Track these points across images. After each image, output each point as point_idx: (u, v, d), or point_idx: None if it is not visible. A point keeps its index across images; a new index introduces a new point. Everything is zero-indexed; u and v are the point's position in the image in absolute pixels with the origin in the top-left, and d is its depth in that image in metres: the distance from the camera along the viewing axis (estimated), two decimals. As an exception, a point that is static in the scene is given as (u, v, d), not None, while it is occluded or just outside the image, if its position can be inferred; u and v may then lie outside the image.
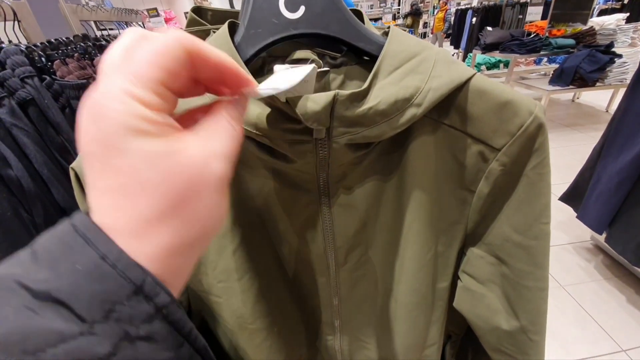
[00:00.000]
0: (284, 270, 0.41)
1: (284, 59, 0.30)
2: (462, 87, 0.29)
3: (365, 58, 0.32)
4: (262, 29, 0.27)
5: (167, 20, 7.09)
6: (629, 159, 1.21)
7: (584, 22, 3.28)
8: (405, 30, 0.32)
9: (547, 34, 3.08)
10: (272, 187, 0.35)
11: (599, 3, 4.97)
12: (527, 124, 0.29)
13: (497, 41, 3.06)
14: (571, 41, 2.87)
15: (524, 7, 4.22)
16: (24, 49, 0.45)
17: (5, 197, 0.39)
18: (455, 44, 6.28)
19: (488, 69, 3.82)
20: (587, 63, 2.56)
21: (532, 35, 2.96)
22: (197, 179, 0.15)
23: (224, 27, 0.28)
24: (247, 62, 0.28)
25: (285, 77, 0.21)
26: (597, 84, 2.62)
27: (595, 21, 3.22)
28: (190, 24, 0.38)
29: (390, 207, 0.37)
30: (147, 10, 2.28)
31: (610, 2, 4.92)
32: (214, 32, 0.33)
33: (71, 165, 0.27)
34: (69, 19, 0.80)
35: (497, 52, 3.09)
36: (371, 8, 10.90)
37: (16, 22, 0.62)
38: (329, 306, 0.44)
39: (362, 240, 0.39)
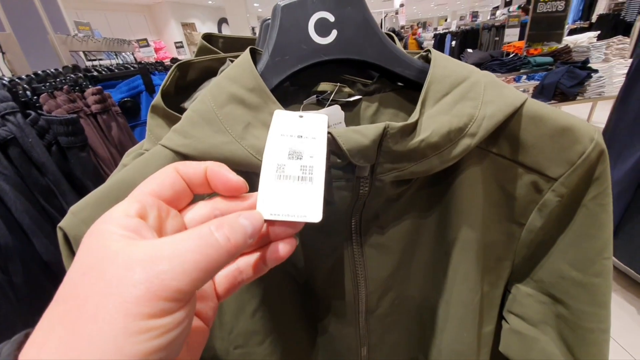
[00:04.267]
0: (311, 326, 0.37)
1: (307, 88, 0.27)
2: (514, 113, 0.26)
3: (400, 84, 0.30)
4: (290, 55, 0.25)
5: (156, 50, 7.21)
6: (626, 169, 1.22)
7: (559, 41, 3.47)
8: None
9: (525, 53, 3.23)
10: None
11: (568, 23, 5.30)
12: (588, 151, 0.27)
13: (478, 62, 3.19)
14: (549, 59, 3.02)
15: (499, 29, 4.47)
16: (6, 82, 0.41)
17: None
18: (437, 66, 6.56)
19: (471, 87, 3.95)
20: (566, 79, 2.67)
21: (511, 55, 3.10)
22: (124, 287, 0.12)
23: (246, 54, 0.25)
24: (273, 91, 0.25)
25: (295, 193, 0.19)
26: (578, 97, 2.72)
27: (568, 40, 3.42)
28: (201, 51, 0.35)
29: (430, 246, 0.34)
30: (138, 40, 2.30)
31: (579, 22, 5.27)
32: (231, 60, 0.30)
33: (59, 225, 0.22)
34: (58, 50, 0.77)
35: (480, 71, 3.21)
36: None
37: (0, 54, 0.58)
38: (356, 355, 0.39)
39: (396, 282, 0.35)
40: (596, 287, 0.30)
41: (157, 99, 0.31)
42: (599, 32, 3.65)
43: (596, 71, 2.70)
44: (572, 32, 4.83)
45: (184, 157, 0.24)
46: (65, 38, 0.82)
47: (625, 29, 4.27)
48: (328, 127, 0.21)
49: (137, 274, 0.12)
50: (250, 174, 0.24)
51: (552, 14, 3.38)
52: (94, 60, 0.99)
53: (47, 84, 0.50)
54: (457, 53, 4.53)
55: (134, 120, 0.93)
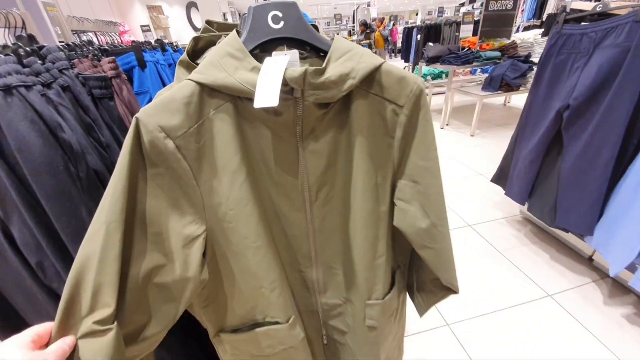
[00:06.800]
0: (274, 203, 0.53)
1: (270, 52, 0.47)
2: (378, 69, 0.45)
3: (321, 54, 0.49)
4: (258, 33, 0.44)
5: (120, 34, 6.89)
6: (536, 141, 1.52)
7: (508, 37, 3.85)
8: (362, 45, 0.50)
9: (478, 48, 3.56)
10: (266, 136, 0.47)
11: (523, 21, 5.76)
12: (414, 89, 0.46)
13: (437, 55, 3.49)
14: (497, 53, 3.36)
15: (459, 25, 4.81)
16: (60, 47, 0.57)
17: (60, 154, 0.50)
18: (405, 58, 6.88)
19: (433, 78, 4.27)
20: (510, 71, 3.02)
21: (465, 49, 3.42)
22: None
23: (234, 32, 0.44)
24: (251, 52, 0.44)
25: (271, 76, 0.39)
26: (521, 88, 3.08)
27: (517, 36, 3.79)
28: (205, 30, 0.54)
29: (345, 152, 0.50)
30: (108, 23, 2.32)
31: (532, 20, 5.74)
32: (225, 36, 0.49)
33: (136, 115, 0.39)
34: (65, 27, 0.89)
35: (438, 64, 3.52)
36: (328, 25, 11.51)
37: (23, 30, 0.71)
38: (306, 237, 0.57)
39: (328, 180, 0.52)
40: (432, 168, 0.50)
41: (183, 56, 0.50)
42: (543, 29, 4.06)
43: (536, 64, 3.07)
44: (527, 29, 5.30)
45: (201, 85, 0.40)
46: (66, 17, 0.94)
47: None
48: (287, 64, 0.40)
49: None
50: (235, 98, 0.42)
51: (502, 12, 3.75)
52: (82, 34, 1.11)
53: (76, 52, 0.66)
54: (422, 46, 4.83)
55: (127, 91, 1.07)
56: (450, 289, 0.62)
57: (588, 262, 1.60)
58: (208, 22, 0.56)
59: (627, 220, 1.22)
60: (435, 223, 0.53)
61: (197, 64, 0.45)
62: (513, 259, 1.67)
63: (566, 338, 1.25)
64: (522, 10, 5.74)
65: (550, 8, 5.84)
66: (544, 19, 5.54)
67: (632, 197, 1.21)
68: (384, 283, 0.61)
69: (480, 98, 3.14)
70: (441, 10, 10.68)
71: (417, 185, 0.52)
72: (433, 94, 4.24)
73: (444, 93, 3.73)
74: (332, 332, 0.71)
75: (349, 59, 0.44)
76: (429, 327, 1.33)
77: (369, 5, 9.25)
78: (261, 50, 0.47)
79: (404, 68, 7.37)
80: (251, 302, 0.55)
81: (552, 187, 1.48)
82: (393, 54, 10.50)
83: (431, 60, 3.55)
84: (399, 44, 8.94)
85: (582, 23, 1.37)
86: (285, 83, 0.41)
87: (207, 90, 0.41)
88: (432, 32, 5.36)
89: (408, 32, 6.58)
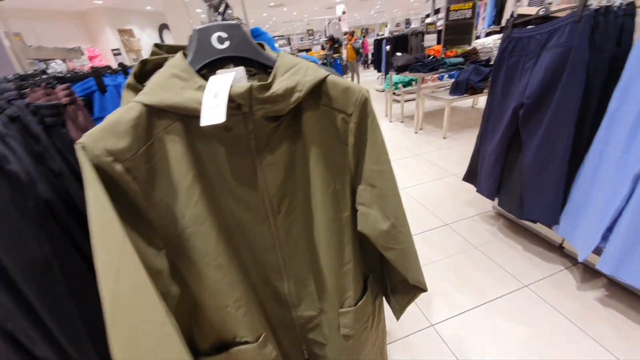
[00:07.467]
0: (237, 217, 0.53)
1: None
2: (324, 81, 0.47)
3: (269, 70, 0.48)
4: (203, 54, 0.46)
5: (91, 58, 6.78)
6: (497, 139, 1.60)
7: (469, 44, 4.07)
8: (330, 60, 0.52)
9: (443, 55, 3.74)
10: (221, 152, 0.48)
11: (484, 28, 6.09)
12: (359, 98, 0.48)
13: (405, 64, 3.64)
14: (461, 59, 3.54)
15: (424, 35, 5.05)
16: (9, 79, 0.56)
17: (6, 186, 0.49)
18: (378, 68, 7.11)
19: (404, 86, 4.43)
20: (474, 75, 3.18)
21: (431, 57, 3.59)
22: None
23: (180, 54, 0.46)
24: (198, 72, 0.45)
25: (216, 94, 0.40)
26: (485, 90, 3.24)
27: (478, 42, 4.01)
28: (154, 54, 0.55)
29: (301, 163, 0.52)
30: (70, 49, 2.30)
31: (492, 26, 6.07)
32: (172, 57, 0.50)
33: (79, 141, 0.38)
34: (20, 57, 0.88)
35: (407, 72, 3.66)
36: (302, 40, 11.78)
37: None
38: (272, 249, 0.57)
39: (288, 191, 0.53)
40: (386, 171, 0.52)
41: (130, 79, 0.51)
42: (502, 34, 4.31)
43: (495, 68, 3.26)
44: (489, 34, 5.61)
45: (148, 106, 0.40)
46: (23, 46, 0.92)
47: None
48: (233, 81, 0.42)
49: None
50: (184, 117, 0.43)
51: (462, 21, 3.98)
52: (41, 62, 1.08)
53: (29, 81, 0.65)
54: (391, 56, 5.02)
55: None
56: (419, 288, 0.64)
57: (559, 250, 1.67)
58: (157, 45, 0.57)
59: (588, 206, 1.30)
60: (395, 224, 0.55)
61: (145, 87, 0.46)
62: (489, 253, 1.72)
63: (545, 326, 1.29)
64: (483, 18, 6.08)
65: (507, 14, 6.22)
66: (503, 25, 5.89)
67: (591, 185, 1.29)
68: (355, 290, 0.62)
69: (448, 102, 3.28)
70: (408, 22, 11.19)
71: (374, 189, 0.54)
72: (405, 101, 4.38)
73: (415, 99, 3.87)
74: (313, 346, 0.70)
75: (294, 74, 0.46)
76: (414, 330, 1.34)
77: (339, 20, 9.55)
78: (210, 70, 0.48)
79: (377, 78, 7.72)
80: (218, 322, 0.54)
81: (517, 182, 1.55)
82: (366, 65, 10.81)
83: (400, 69, 3.69)
84: (371, 55, 9.23)
85: (529, 27, 1.47)
86: (231, 99, 0.42)
87: (154, 111, 0.42)
88: (400, 42, 5.59)
89: (378, 43, 6.83)
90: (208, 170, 0.48)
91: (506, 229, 1.89)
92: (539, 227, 1.73)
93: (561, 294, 1.42)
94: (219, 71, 0.46)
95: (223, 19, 0.52)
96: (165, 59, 0.53)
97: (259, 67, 0.50)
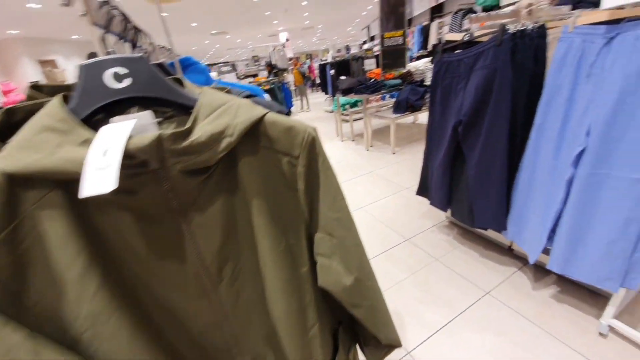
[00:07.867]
0: (161, 299, 0.41)
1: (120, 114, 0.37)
2: (260, 121, 0.40)
3: (190, 111, 0.39)
4: (93, 96, 0.36)
5: (5, 93, 5.99)
6: (441, 155, 1.69)
7: (404, 66, 4.42)
8: (278, 84, 0.44)
9: (382, 78, 3.99)
10: (126, 220, 0.37)
11: (414, 52, 6.69)
12: (306, 138, 0.42)
13: (350, 86, 3.81)
14: (398, 81, 3.81)
15: (364, 60, 5.40)
16: None
17: None
18: (325, 90, 7.39)
19: (351, 106, 4.61)
20: (411, 95, 3.43)
21: (372, 80, 3.80)
22: None
23: (56, 99, 0.35)
24: (85, 121, 0.35)
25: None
26: (423, 108, 3.50)
27: (411, 65, 4.37)
28: (30, 98, 0.42)
29: (243, 219, 0.43)
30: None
31: (422, 51, 6.71)
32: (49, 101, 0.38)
33: None
34: None
35: (353, 94, 3.83)
36: (247, 66, 11.85)
37: None
38: (217, 327, 0.45)
39: (230, 254, 0.43)
40: (343, 218, 0.46)
41: None
42: (431, 57, 4.80)
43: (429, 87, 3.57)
44: (419, 58, 6.19)
45: (8, 174, 0.30)
46: None
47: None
48: (134, 131, 0.32)
49: None
50: (65, 182, 0.32)
51: (396, 47, 4.33)
52: None
53: None
54: (336, 79, 5.24)
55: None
56: (393, 345, 0.57)
57: (509, 252, 1.78)
58: (34, 86, 0.43)
59: (530, 211, 1.40)
60: (360, 278, 0.48)
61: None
62: (450, 264, 1.76)
63: (510, 331, 1.33)
64: (412, 44, 6.71)
65: (432, 40, 6.97)
66: (430, 49, 6.56)
67: (528, 191, 1.39)
68: (325, 354, 0.53)
69: (393, 120, 3.46)
70: (348, 48, 11.94)
71: (333, 238, 0.47)
72: (354, 120, 4.57)
73: (362, 118, 4.04)
74: None
75: (221, 115, 0.38)
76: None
77: (284, 46, 9.82)
78: (108, 116, 0.38)
79: (325, 100, 7.97)
80: None
81: (465, 193, 1.64)
82: (314, 88, 11.18)
83: (345, 92, 3.84)
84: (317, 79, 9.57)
85: (457, 51, 1.61)
86: (131, 155, 0.33)
87: (18, 181, 0.31)
88: (342, 66, 5.88)
89: (322, 68, 7.12)
90: (111, 247, 0.37)
91: (461, 237, 1.98)
92: (490, 232, 1.83)
93: (519, 296, 1.49)
94: (113, 119, 0.36)
95: (135, 49, 0.42)
96: (42, 105, 0.39)
97: (178, 108, 0.41)
